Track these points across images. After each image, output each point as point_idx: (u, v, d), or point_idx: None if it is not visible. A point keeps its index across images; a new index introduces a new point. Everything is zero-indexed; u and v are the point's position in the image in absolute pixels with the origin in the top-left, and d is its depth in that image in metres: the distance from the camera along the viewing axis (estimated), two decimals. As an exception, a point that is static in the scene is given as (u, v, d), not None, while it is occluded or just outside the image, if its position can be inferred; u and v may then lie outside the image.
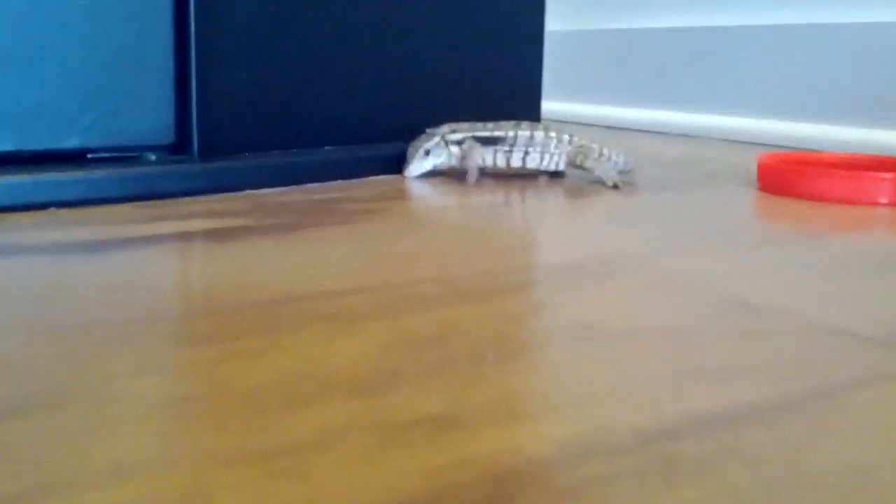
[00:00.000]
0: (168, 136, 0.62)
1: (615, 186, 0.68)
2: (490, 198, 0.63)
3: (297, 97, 0.69)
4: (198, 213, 0.55)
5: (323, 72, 0.71)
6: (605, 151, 0.75)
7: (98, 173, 0.57)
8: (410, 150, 0.73)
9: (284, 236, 0.49)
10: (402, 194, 0.65)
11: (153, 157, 0.61)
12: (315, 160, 0.68)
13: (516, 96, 0.90)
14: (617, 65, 1.36)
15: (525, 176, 0.74)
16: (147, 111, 0.61)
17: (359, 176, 0.71)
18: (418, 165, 0.72)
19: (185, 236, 0.49)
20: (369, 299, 0.37)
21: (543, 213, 0.60)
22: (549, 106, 1.37)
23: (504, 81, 0.88)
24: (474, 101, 0.85)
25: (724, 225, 0.55)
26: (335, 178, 0.69)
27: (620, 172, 0.75)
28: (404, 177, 0.72)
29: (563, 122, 1.35)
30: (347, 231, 0.50)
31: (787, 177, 0.67)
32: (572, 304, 0.38)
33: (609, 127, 1.30)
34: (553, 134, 0.73)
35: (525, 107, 0.92)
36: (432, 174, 0.72)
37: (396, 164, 0.74)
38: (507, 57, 0.88)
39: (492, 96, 0.87)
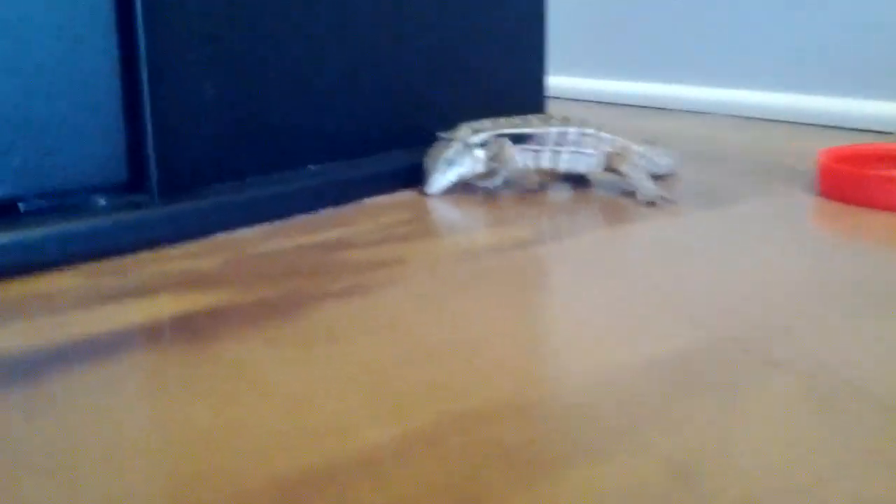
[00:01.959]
0: (119, 173, 0.49)
1: (651, 204, 0.58)
2: (523, 229, 0.52)
3: (275, 108, 0.57)
4: (163, 280, 0.43)
5: (303, 76, 0.58)
6: (645, 152, 0.64)
7: (33, 231, 0.45)
8: (428, 161, 0.61)
9: (278, 329, 0.37)
10: (415, 227, 0.53)
11: (102, 202, 0.49)
12: (303, 186, 0.56)
13: (518, 87, 0.79)
14: (642, 33, 1.24)
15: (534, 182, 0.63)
16: (90, 144, 0.48)
17: (358, 198, 0.59)
18: (441, 179, 0.61)
19: (149, 335, 0.37)
20: (427, 455, 0.26)
21: (591, 261, 0.48)
22: (562, 82, 1.25)
23: (506, 71, 0.76)
24: (475, 96, 0.73)
25: (806, 268, 0.44)
26: (329, 205, 0.57)
27: (661, 177, 0.64)
28: (425, 193, 0.60)
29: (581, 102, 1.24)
30: (360, 313, 0.39)
31: (859, 184, 0.56)
32: (722, 456, 0.26)
33: (639, 106, 1.18)
34: (590, 130, 0.62)
35: (528, 97, 0.81)
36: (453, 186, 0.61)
37: (401, 179, 0.62)
38: (507, 44, 0.76)
39: (493, 89, 0.75)
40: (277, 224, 0.53)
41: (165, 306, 0.40)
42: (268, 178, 0.56)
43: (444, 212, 0.57)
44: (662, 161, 0.65)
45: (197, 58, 0.51)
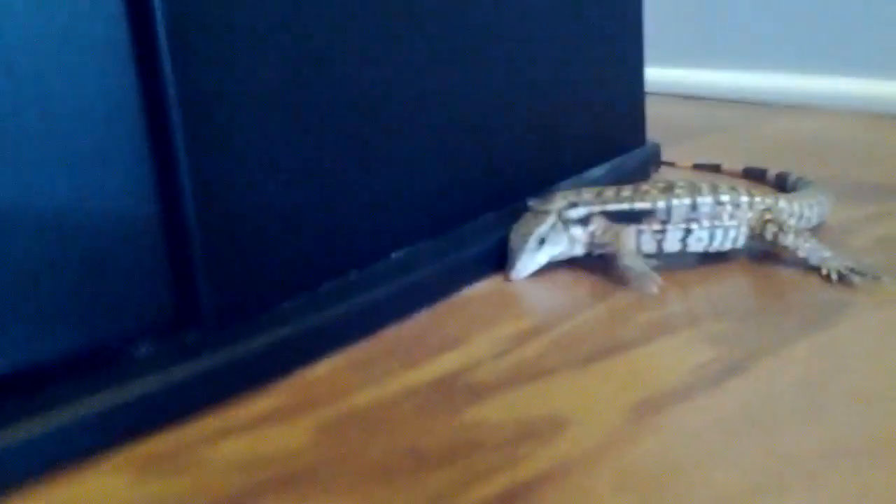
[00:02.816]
0: (164, 310, 0.38)
1: (843, 278, 0.44)
2: (701, 342, 0.39)
3: (350, 188, 0.44)
4: (240, 477, 0.31)
5: (381, 142, 0.46)
6: (796, 207, 0.51)
7: (50, 417, 0.33)
8: (514, 238, 0.48)
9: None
10: (545, 343, 0.40)
11: (144, 349, 0.37)
12: (391, 289, 0.44)
13: (616, 124, 0.66)
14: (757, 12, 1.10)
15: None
16: (129, 279, 0.36)
17: (452, 291, 0.47)
18: (528, 262, 0.48)
19: None
20: None
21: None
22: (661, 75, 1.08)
23: (603, 108, 0.64)
24: (570, 138, 0.60)
25: None
26: (423, 306, 0.45)
27: (813, 228, 0.51)
28: (509, 279, 0.48)
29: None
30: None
31: None
32: None
33: (752, 102, 1.03)
34: (726, 197, 0.48)
35: (627, 131, 0.68)
36: (546, 268, 0.49)
37: (492, 262, 0.50)
38: (604, 80, 0.63)
39: (590, 129, 0.62)
40: (365, 345, 0.41)
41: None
42: (345, 280, 0.44)
43: (560, 305, 0.45)
44: (813, 212, 0.52)
45: (246, 142, 0.39)
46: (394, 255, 0.47)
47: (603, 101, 0.64)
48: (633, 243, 0.48)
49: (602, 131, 0.64)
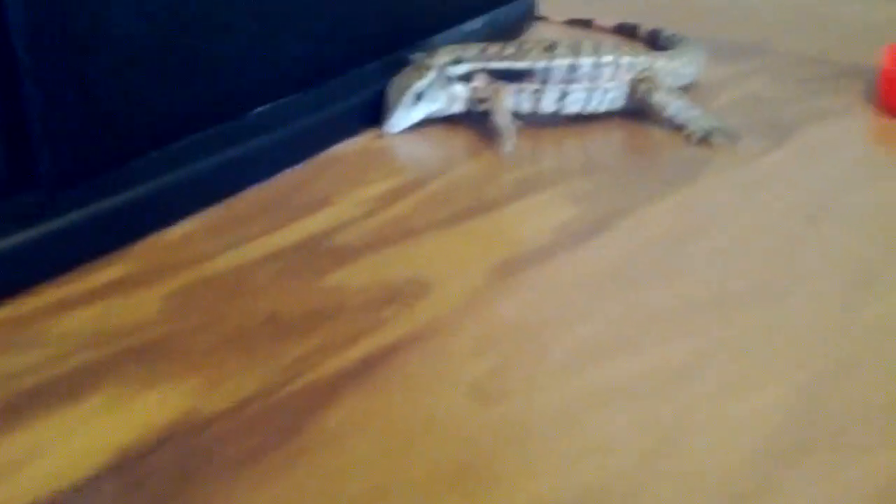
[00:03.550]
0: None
1: (705, 139, 0.45)
2: (563, 203, 0.38)
3: (200, 36, 0.41)
4: (72, 343, 0.29)
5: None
6: (673, 66, 0.50)
7: None
8: (391, 92, 0.46)
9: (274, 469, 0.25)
10: (409, 204, 0.39)
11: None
12: (251, 148, 0.41)
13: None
14: None
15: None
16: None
17: (322, 148, 0.45)
18: (404, 117, 0.46)
19: None
20: None
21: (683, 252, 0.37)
22: None
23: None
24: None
25: None
26: (288, 165, 0.43)
27: (684, 88, 0.51)
28: (384, 132, 0.46)
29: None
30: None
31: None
32: None
33: None
34: (607, 58, 0.47)
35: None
36: (423, 123, 0.47)
37: (373, 112, 0.48)
38: None
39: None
40: (223, 208, 0.39)
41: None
42: (204, 136, 0.41)
43: (431, 163, 0.44)
44: (688, 70, 0.52)
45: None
46: (258, 109, 0.44)
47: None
48: (509, 102, 0.47)
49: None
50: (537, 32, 0.66)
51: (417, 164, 0.44)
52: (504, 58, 0.47)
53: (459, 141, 0.46)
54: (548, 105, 0.47)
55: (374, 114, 0.48)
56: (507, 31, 0.63)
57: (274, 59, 0.45)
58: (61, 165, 0.35)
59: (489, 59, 0.47)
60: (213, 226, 0.38)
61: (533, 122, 0.47)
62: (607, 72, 0.47)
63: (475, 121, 0.47)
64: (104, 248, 0.35)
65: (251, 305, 0.32)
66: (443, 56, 0.47)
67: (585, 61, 0.47)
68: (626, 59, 0.48)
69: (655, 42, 0.61)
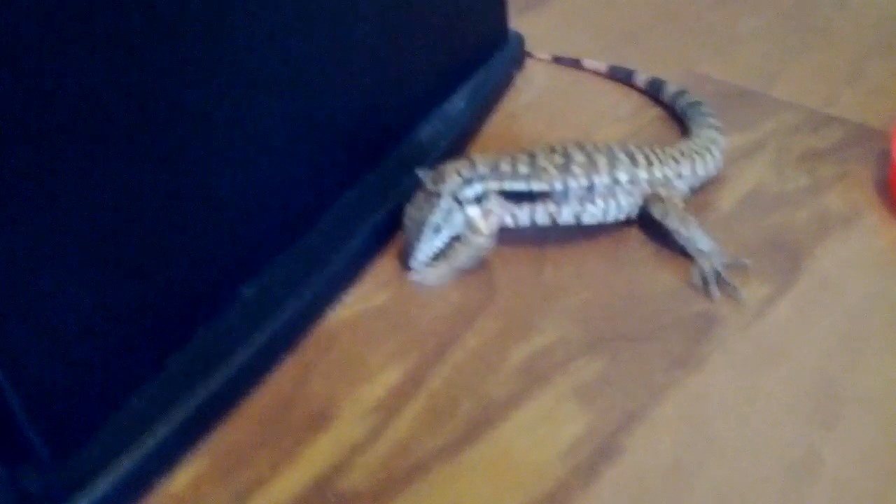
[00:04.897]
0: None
1: (708, 284, 0.43)
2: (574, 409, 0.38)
3: (173, 232, 0.39)
4: None
5: (202, 151, 0.39)
6: (701, 170, 0.49)
7: None
8: (409, 226, 0.45)
9: None
10: (425, 404, 0.38)
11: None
12: (242, 357, 0.39)
13: (474, 23, 0.58)
14: None
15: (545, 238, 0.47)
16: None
17: (307, 330, 0.43)
18: (427, 250, 0.45)
19: None
20: None
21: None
22: None
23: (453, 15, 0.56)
24: (418, 67, 0.54)
25: None
26: (285, 351, 0.42)
27: (695, 190, 0.49)
28: (408, 269, 0.45)
29: None
30: None
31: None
32: None
33: None
34: (622, 174, 0.46)
35: (488, 28, 0.61)
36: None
37: (375, 242, 0.47)
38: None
39: (442, 49, 0.55)
40: (226, 432, 0.38)
41: None
42: (193, 350, 0.39)
43: (427, 336, 0.42)
44: (711, 166, 0.50)
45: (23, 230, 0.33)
46: (244, 290, 0.43)
47: (457, 2, 0.57)
48: (490, 224, 0.46)
49: (459, 43, 0.58)
50: (533, 74, 0.62)
51: (413, 339, 0.42)
52: (518, 177, 0.45)
53: (453, 297, 0.45)
54: (565, 219, 0.46)
55: (369, 255, 0.47)
56: (500, 92, 0.60)
57: (250, 223, 0.43)
58: (52, 439, 0.34)
59: (502, 179, 0.45)
60: (217, 466, 0.37)
61: (540, 238, 0.47)
62: (624, 188, 0.46)
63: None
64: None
65: None
66: (452, 177, 0.45)
67: (602, 180, 0.46)
68: (642, 175, 0.46)
69: (658, 94, 0.58)
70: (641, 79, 0.59)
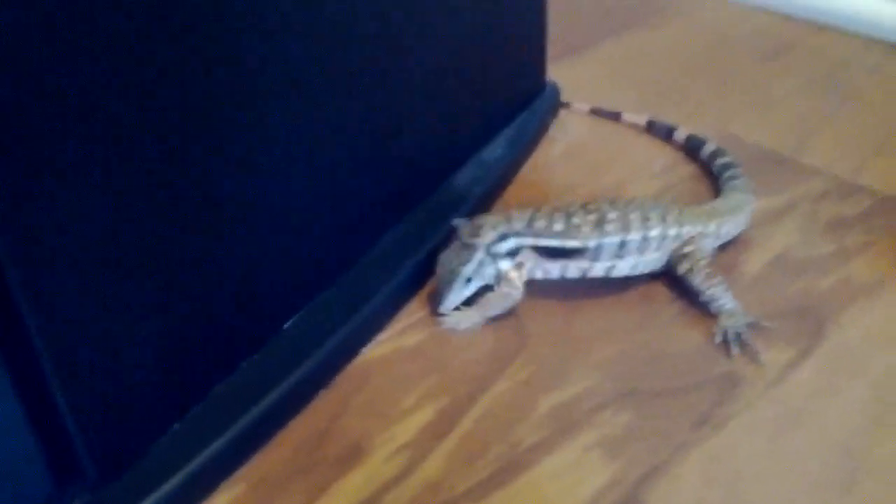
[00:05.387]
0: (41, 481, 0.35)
1: (728, 343, 0.45)
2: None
3: (225, 269, 0.41)
4: None
5: (253, 205, 0.41)
6: (724, 230, 0.50)
7: None
8: (441, 272, 0.47)
9: None
10: (434, 463, 0.39)
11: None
12: (285, 386, 0.42)
13: (513, 72, 0.60)
14: None
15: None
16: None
17: (356, 351, 0.45)
18: (456, 297, 0.47)
19: None
20: None
21: None
22: None
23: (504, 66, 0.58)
24: (458, 115, 0.56)
25: None
26: (322, 386, 0.44)
27: (719, 249, 0.50)
28: (438, 313, 0.47)
29: None
30: None
31: None
32: None
33: None
34: (655, 233, 0.47)
35: (526, 77, 0.63)
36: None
37: (407, 290, 0.49)
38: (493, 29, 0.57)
39: (483, 97, 0.57)
40: (262, 461, 0.40)
41: None
42: (236, 382, 0.41)
43: (459, 379, 0.44)
44: (740, 224, 0.52)
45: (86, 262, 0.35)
46: (286, 326, 0.44)
47: (497, 52, 0.59)
48: (517, 287, 0.47)
49: (499, 90, 0.60)
50: (567, 123, 0.64)
51: (448, 380, 0.44)
52: (553, 234, 0.47)
53: (486, 342, 0.46)
54: (596, 273, 0.48)
55: (405, 296, 0.49)
56: (536, 141, 0.62)
57: (292, 263, 0.45)
58: (101, 460, 0.36)
59: (537, 236, 0.47)
60: (253, 493, 0.39)
61: (570, 290, 0.48)
62: (654, 244, 0.48)
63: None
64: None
65: None
66: (488, 232, 0.47)
67: (634, 237, 0.47)
68: (672, 231, 0.48)
69: (696, 151, 0.60)
70: (681, 134, 0.61)
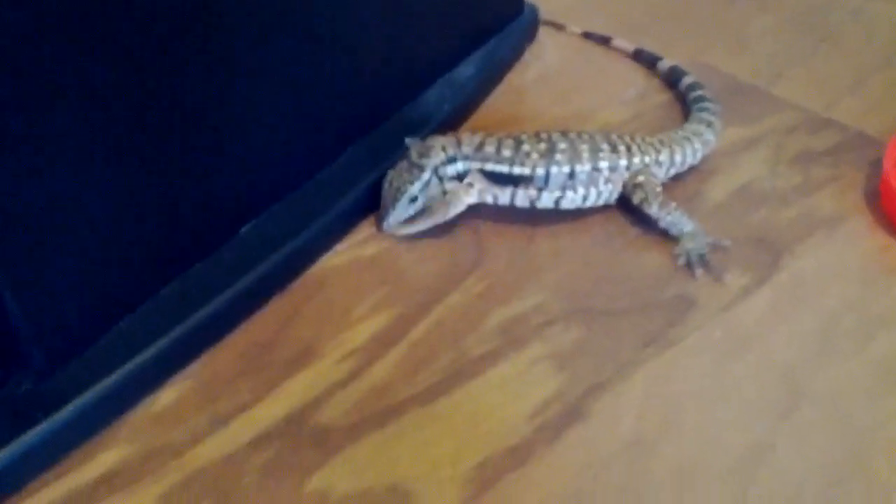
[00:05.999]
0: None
1: (690, 265, 0.45)
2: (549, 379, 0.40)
3: (177, 169, 0.40)
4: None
5: (209, 100, 0.41)
6: (678, 157, 0.50)
7: None
8: (387, 190, 0.47)
9: None
10: (381, 371, 0.40)
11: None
12: (239, 287, 0.41)
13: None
14: None
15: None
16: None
17: (311, 261, 0.45)
18: (400, 216, 0.46)
19: None
20: None
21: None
22: None
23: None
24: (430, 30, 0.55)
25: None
26: (275, 293, 0.44)
27: (677, 176, 0.50)
28: (382, 231, 0.47)
29: None
30: None
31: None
32: None
33: None
34: (604, 163, 0.47)
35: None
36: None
37: (363, 206, 0.48)
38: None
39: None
40: (212, 358, 0.40)
41: None
42: (187, 282, 0.41)
43: (414, 289, 0.44)
44: (699, 152, 0.51)
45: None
46: (243, 230, 0.44)
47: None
48: (462, 201, 0.47)
49: (472, 9, 0.58)
50: (543, 48, 0.63)
51: (399, 291, 0.44)
52: (501, 160, 0.47)
53: (444, 253, 0.46)
54: (545, 204, 0.48)
55: (365, 209, 0.48)
56: (508, 65, 0.61)
57: (256, 166, 0.44)
58: (48, 347, 0.36)
59: (485, 160, 0.47)
60: (200, 391, 0.39)
61: (532, 215, 0.48)
62: (604, 176, 0.47)
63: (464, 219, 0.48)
64: (99, 428, 0.37)
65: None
66: (437, 153, 0.47)
67: (583, 168, 0.47)
68: (623, 162, 0.48)
69: (676, 82, 0.59)
70: (665, 65, 0.60)
